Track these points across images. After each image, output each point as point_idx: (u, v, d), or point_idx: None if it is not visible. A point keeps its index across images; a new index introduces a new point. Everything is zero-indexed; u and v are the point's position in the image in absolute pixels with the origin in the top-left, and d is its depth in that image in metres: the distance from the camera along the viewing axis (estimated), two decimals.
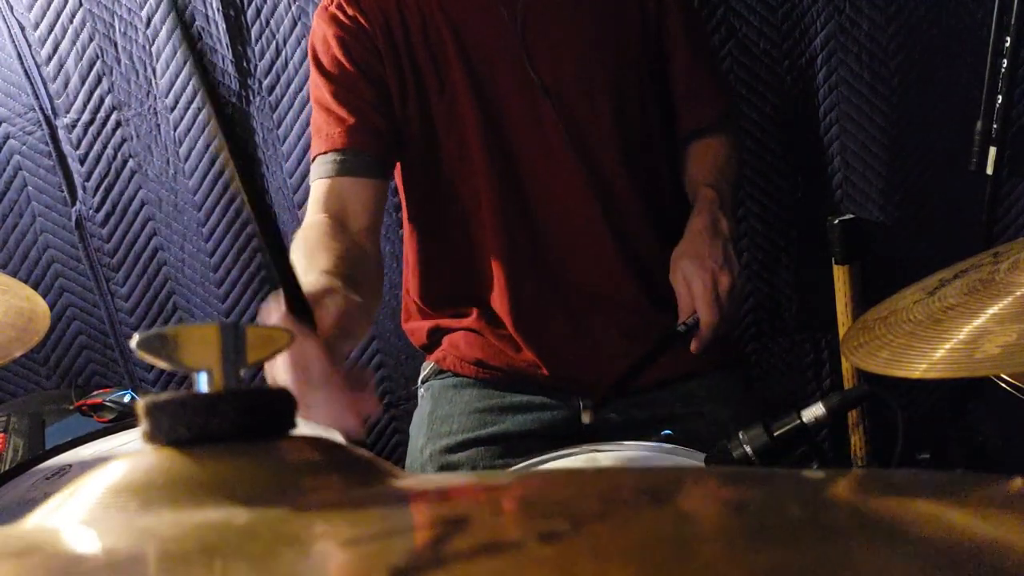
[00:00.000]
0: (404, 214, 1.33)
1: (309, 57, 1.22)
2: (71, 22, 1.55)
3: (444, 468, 1.20)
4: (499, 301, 1.24)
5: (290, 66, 1.57)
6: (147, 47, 1.57)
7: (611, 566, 0.25)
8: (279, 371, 0.76)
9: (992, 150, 1.52)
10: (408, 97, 1.20)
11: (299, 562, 0.27)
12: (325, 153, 1.16)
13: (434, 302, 1.32)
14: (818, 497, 0.35)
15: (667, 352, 1.11)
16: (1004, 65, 1.49)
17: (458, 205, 1.24)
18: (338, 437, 1.10)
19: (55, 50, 1.56)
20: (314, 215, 1.13)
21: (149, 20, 1.56)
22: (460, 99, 1.19)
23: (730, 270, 1.10)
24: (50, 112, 1.59)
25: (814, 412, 0.96)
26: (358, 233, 1.12)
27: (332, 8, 1.19)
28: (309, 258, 0.99)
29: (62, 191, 1.63)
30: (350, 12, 1.18)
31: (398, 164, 1.26)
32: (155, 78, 1.58)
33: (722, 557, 0.27)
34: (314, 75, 1.20)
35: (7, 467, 1.27)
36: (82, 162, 1.61)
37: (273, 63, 1.58)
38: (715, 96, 1.31)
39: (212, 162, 1.60)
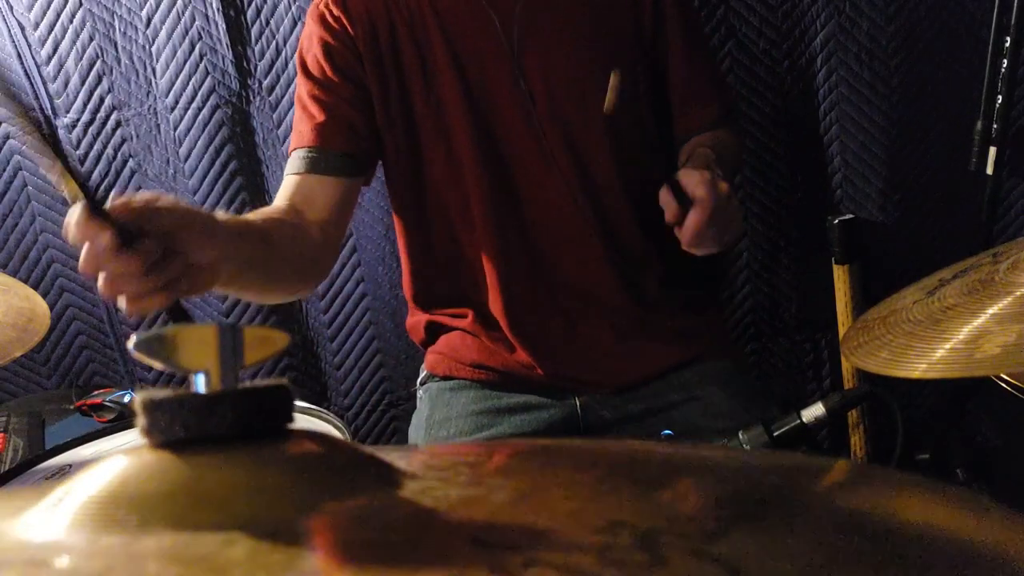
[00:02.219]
0: (394, 215, 1.33)
1: (296, 53, 1.25)
2: (71, 22, 1.55)
3: None
4: (493, 303, 1.24)
5: (290, 66, 1.57)
6: (147, 47, 1.57)
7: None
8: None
9: (992, 150, 1.52)
10: (391, 101, 1.20)
11: None
12: (296, 149, 1.20)
13: (425, 302, 1.33)
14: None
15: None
16: (1004, 65, 1.48)
17: (446, 209, 1.24)
18: (337, 434, 1.10)
19: (55, 50, 1.56)
20: (277, 202, 1.19)
21: (149, 20, 1.56)
22: (449, 103, 1.19)
23: (729, 184, 1.06)
24: (50, 112, 1.59)
25: (814, 412, 0.96)
26: (312, 223, 1.15)
27: (321, 6, 1.20)
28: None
29: (62, 191, 1.62)
30: (335, 13, 1.19)
31: (390, 163, 1.26)
32: (155, 78, 1.58)
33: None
34: (298, 73, 1.23)
35: (7, 467, 1.27)
36: (82, 162, 1.61)
37: (273, 63, 1.58)
38: (712, 100, 1.30)
39: (212, 162, 1.60)
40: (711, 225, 1.02)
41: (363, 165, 1.23)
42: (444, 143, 1.21)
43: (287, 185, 1.19)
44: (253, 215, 1.09)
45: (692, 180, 1.03)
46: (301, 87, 1.22)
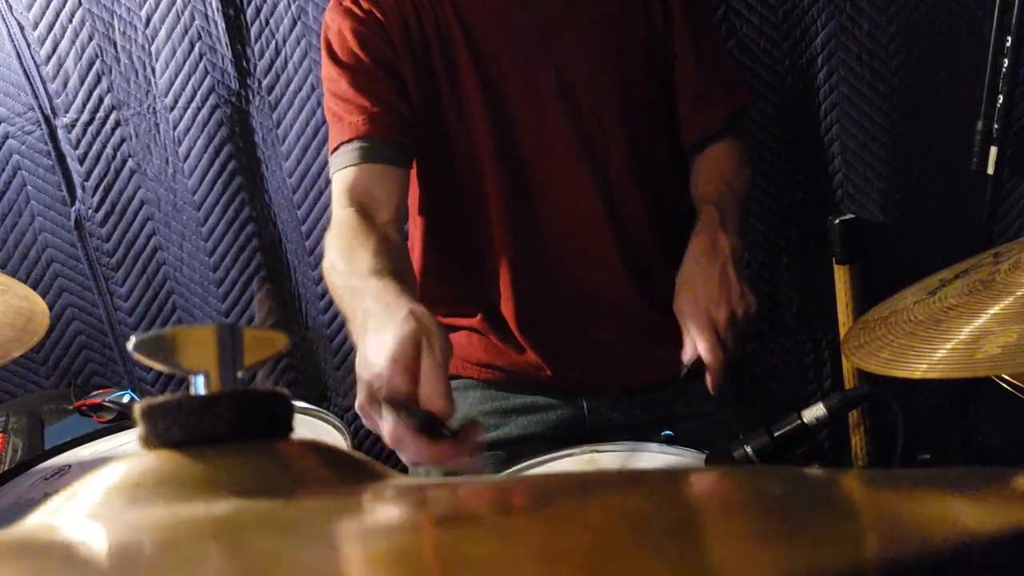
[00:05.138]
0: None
1: (323, 50, 1.20)
2: (70, 22, 1.55)
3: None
4: (504, 303, 1.24)
5: (290, 66, 1.57)
6: (146, 47, 1.57)
7: (563, 534, 0.25)
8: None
9: (993, 150, 1.52)
10: (422, 92, 1.19)
11: (257, 538, 0.27)
12: (349, 141, 1.12)
13: (433, 303, 1.32)
14: (809, 480, 0.34)
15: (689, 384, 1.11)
16: (1005, 65, 1.48)
17: (466, 206, 1.24)
18: (337, 437, 1.09)
19: (54, 49, 1.56)
20: (341, 210, 1.10)
21: (149, 20, 1.56)
22: (469, 98, 1.19)
23: (727, 300, 1.08)
24: (49, 112, 1.59)
25: (815, 412, 0.96)
26: (384, 225, 1.10)
27: (347, 2, 1.18)
28: (349, 259, 1.00)
29: (61, 191, 1.62)
30: (365, 6, 1.17)
31: (415, 157, 1.25)
32: (154, 77, 1.58)
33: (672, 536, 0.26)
34: (329, 68, 1.18)
35: (7, 467, 1.27)
36: (81, 162, 1.61)
37: (273, 63, 1.58)
38: (722, 100, 1.30)
39: (211, 161, 1.60)
40: (730, 359, 1.07)
41: (411, 157, 1.18)
42: (465, 138, 1.20)
43: (343, 182, 1.12)
44: (376, 261, 0.98)
45: (695, 335, 1.06)
46: (338, 80, 1.15)
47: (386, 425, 0.78)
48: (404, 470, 1.32)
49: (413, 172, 1.25)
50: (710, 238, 1.15)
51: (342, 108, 1.15)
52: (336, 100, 1.16)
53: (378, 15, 1.16)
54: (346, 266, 1.00)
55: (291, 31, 1.56)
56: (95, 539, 0.30)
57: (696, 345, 1.06)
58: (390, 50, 1.16)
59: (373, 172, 1.12)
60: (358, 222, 1.07)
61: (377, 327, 0.83)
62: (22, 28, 1.55)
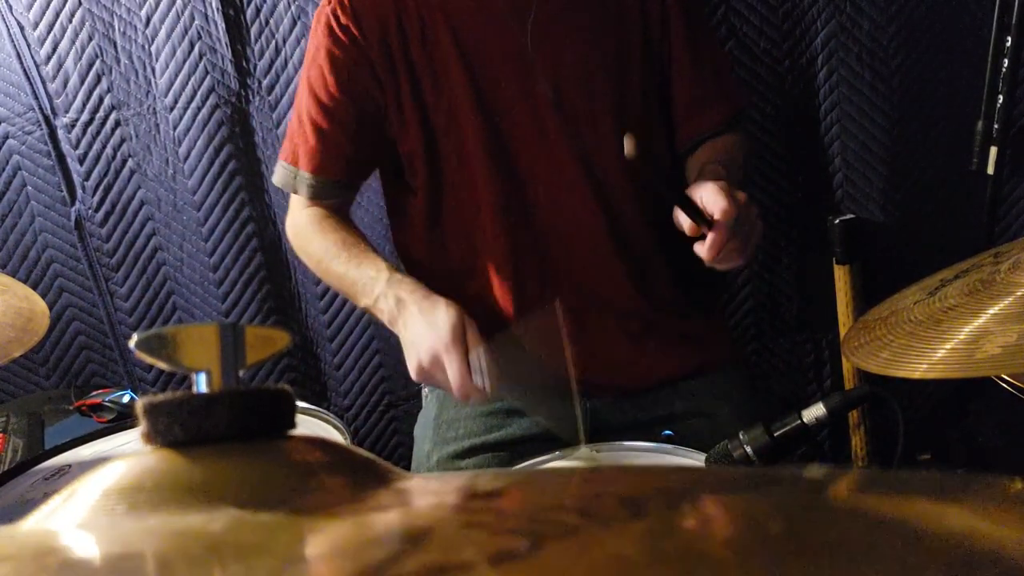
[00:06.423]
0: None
1: (304, 63, 1.23)
2: (70, 22, 1.55)
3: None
4: (503, 306, 1.24)
5: (290, 65, 1.57)
6: (146, 47, 1.57)
7: None
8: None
9: (993, 150, 1.52)
10: (404, 105, 1.19)
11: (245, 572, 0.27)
12: (294, 167, 1.25)
13: None
14: (812, 504, 0.34)
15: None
16: (1005, 65, 1.48)
17: (460, 211, 1.23)
18: (337, 437, 1.10)
19: (54, 49, 1.56)
20: (305, 208, 1.28)
21: (148, 20, 1.56)
22: (459, 106, 1.18)
23: (746, 197, 1.04)
24: (49, 112, 1.59)
25: (815, 412, 0.96)
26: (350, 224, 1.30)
27: (328, 11, 1.18)
28: (346, 246, 1.21)
29: (61, 191, 1.62)
30: (343, 21, 1.16)
31: (405, 166, 1.25)
32: (154, 77, 1.58)
33: None
34: (301, 82, 1.23)
35: (7, 467, 1.27)
36: (81, 162, 1.61)
37: (273, 63, 1.58)
38: (718, 104, 1.29)
39: (211, 162, 1.60)
40: (734, 238, 1.01)
41: (358, 183, 1.31)
42: (456, 144, 1.20)
43: (299, 203, 1.28)
44: (385, 260, 1.20)
45: (708, 193, 1.01)
46: (306, 101, 1.21)
47: (453, 367, 1.03)
48: (407, 467, 1.32)
49: (416, 182, 1.26)
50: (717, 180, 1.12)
51: (296, 127, 1.25)
52: (298, 119, 1.24)
53: (355, 31, 1.16)
54: (347, 253, 1.20)
55: (291, 31, 1.56)
56: (90, 552, 0.30)
57: (708, 206, 1.00)
58: (364, 73, 1.18)
59: (324, 205, 1.28)
60: (330, 216, 1.26)
61: (424, 311, 1.08)
62: (22, 28, 1.55)
